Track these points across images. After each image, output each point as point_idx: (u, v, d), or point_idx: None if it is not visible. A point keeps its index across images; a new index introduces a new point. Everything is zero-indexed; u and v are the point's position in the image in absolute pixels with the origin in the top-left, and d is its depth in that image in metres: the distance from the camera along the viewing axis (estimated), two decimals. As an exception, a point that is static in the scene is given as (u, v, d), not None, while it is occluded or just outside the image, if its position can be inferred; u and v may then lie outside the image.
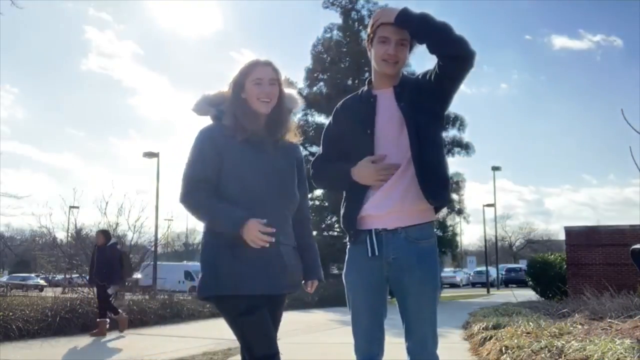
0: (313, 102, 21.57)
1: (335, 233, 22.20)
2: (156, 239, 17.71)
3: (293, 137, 2.32)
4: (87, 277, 8.51)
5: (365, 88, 2.30)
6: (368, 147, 2.17)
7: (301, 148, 2.45)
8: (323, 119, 22.21)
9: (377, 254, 2.11)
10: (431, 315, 2.13)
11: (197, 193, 2.07)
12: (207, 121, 2.24)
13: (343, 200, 2.26)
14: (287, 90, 2.29)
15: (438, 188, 2.13)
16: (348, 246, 2.24)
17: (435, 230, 2.27)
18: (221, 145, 2.10)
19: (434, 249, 2.17)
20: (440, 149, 2.22)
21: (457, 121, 22.73)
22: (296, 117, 20.11)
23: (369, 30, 2.22)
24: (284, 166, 2.19)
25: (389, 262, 2.11)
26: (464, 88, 2.34)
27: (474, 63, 2.06)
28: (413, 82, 2.22)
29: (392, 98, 2.19)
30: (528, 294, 15.02)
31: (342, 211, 2.24)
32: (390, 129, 2.16)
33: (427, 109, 2.15)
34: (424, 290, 2.11)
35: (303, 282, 2.30)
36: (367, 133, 2.18)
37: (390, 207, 2.11)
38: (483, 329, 6.38)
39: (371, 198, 2.13)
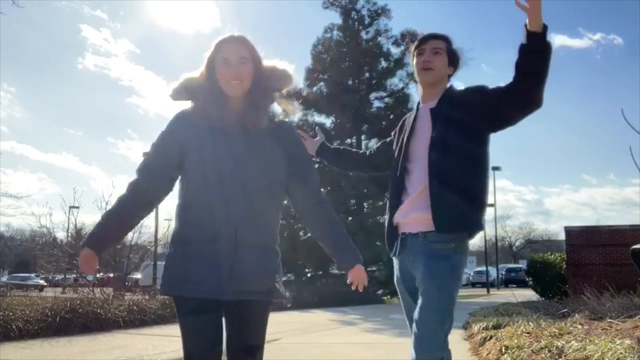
0: (313, 102, 21.56)
1: (335, 233, 22.17)
2: (156, 239, 17.69)
3: (287, 106, 2.12)
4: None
5: (415, 107, 2.42)
6: (399, 162, 2.31)
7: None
8: (323, 119, 22.22)
9: (397, 254, 2.29)
10: (432, 311, 2.08)
11: (136, 180, 1.97)
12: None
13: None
14: (281, 66, 2.03)
15: (453, 217, 2.12)
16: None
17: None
18: (183, 134, 1.93)
19: (450, 254, 2.13)
20: (470, 170, 2.17)
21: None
22: (296, 117, 20.22)
23: (411, 51, 2.36)
24: (261, 152, 1.92)
25: (410, 263, 2.23)
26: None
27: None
28: (456, 97, 2.25)
29: (429, 114, 2.26)
30: (528, 294, 15.01)
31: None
32: (421, 147, 2.23)
33: (465, 127, 2.16)
34: (428, 288, 2.10)
35: (346, 272, 2.00)
36: (401, 148, 2.32)
37: (412, 214, 2.21)
38: (483, 329, 6.38)
39: (400, 208, 2.26)
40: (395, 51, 22.61)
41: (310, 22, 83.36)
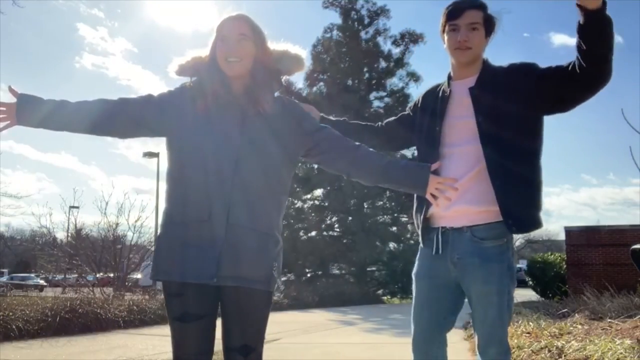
0: (313, 103, 21.51)
1: (335, 233, 22.19)
2: (156, 239, 17.68)
3: (296, 66, 1.96)
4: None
5: (446, 82, 2.15)
6: (434, 145, 2.07)
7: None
8: (323, 119, 22.22)
9: (440, 252, 2.03)
10: (495, 320, 1.95)
11: (109, 99, 1.85)
12: None
13: (414, 198, 2.18)
14: (293, 50, 1.94)
15: (523, 219, 1.95)
16: (420, 245, 2.18)
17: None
18: (177, 109, 1.82)
19: (503, 251, 1.98)
20: (530, 163, 2.00)
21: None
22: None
23: (441, 22, 2.09)
24: (260, 136, 1.79)
25: (454, 262, 2.01)
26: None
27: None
28: (501, 75, 2.03)
29: (467, 95, 2.04)
30: (528, 294, 15.02)
31: (413, 210, 2.19)
32: (461, 130, 2.03)
33: (514, 110, 1.96)
34: (487, 292, 1.96)
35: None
36: (435, 130, 2.08)
37: (456, 207, 1.98)
38: (483, 329, 6.37)
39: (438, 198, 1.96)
40: (395, 51, 22.64)
41: (310, 22, 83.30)
